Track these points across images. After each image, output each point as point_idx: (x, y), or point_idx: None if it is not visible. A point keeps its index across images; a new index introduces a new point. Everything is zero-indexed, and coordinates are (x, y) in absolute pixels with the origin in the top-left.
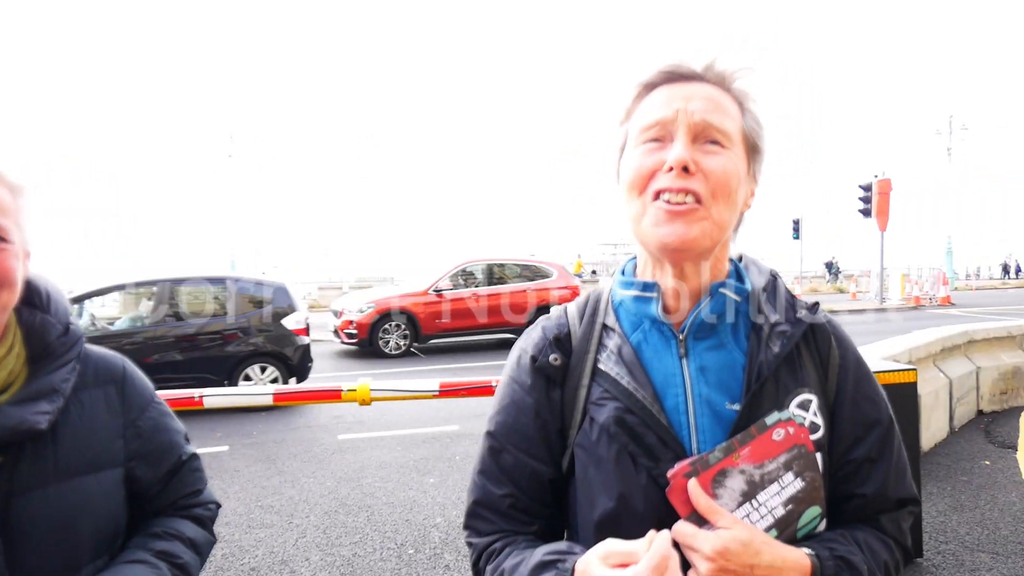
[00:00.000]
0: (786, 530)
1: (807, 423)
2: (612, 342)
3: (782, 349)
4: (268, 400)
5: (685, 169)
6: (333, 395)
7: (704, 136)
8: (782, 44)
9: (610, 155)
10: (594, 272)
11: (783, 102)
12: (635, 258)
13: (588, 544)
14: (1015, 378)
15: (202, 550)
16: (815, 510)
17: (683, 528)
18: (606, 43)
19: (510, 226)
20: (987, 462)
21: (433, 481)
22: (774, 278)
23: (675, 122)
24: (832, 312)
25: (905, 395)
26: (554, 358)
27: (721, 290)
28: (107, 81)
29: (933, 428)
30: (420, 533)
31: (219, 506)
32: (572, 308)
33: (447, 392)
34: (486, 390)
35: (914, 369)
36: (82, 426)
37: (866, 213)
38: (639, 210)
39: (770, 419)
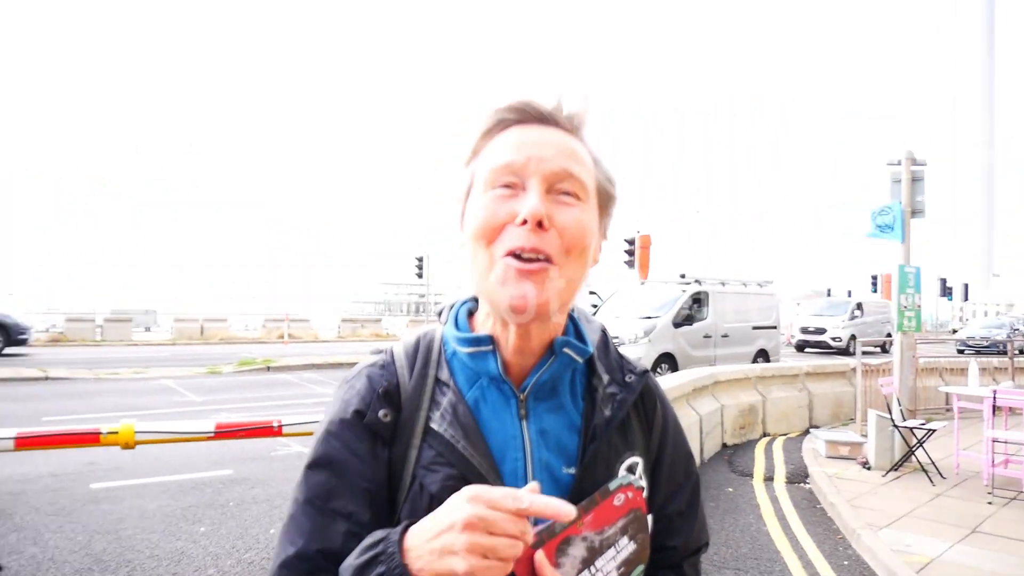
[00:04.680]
0: None
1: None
2: (446, 399)
3: (614, 414)
4: (9, 445)
5: (540, 224)
6: (91, 438)
7: (559, 187)
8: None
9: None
10: None
11: None
12: (467, 302)
13: None
14: (751, 414)
15: None
16: (640, 569)
17: None
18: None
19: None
20: (730, 489)
21: (204, 530)
22: (604, 334)
23: (527, 169)
24: None
25: None
26: (383, 414)
27: (565, 349)
28: None
29: None
30: None
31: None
32: (400, 355)
33: (224, 434)
34: (266, 431)
35: None
36: None
37: (630, 264)
38: (485, 263)
39: (613, 484)
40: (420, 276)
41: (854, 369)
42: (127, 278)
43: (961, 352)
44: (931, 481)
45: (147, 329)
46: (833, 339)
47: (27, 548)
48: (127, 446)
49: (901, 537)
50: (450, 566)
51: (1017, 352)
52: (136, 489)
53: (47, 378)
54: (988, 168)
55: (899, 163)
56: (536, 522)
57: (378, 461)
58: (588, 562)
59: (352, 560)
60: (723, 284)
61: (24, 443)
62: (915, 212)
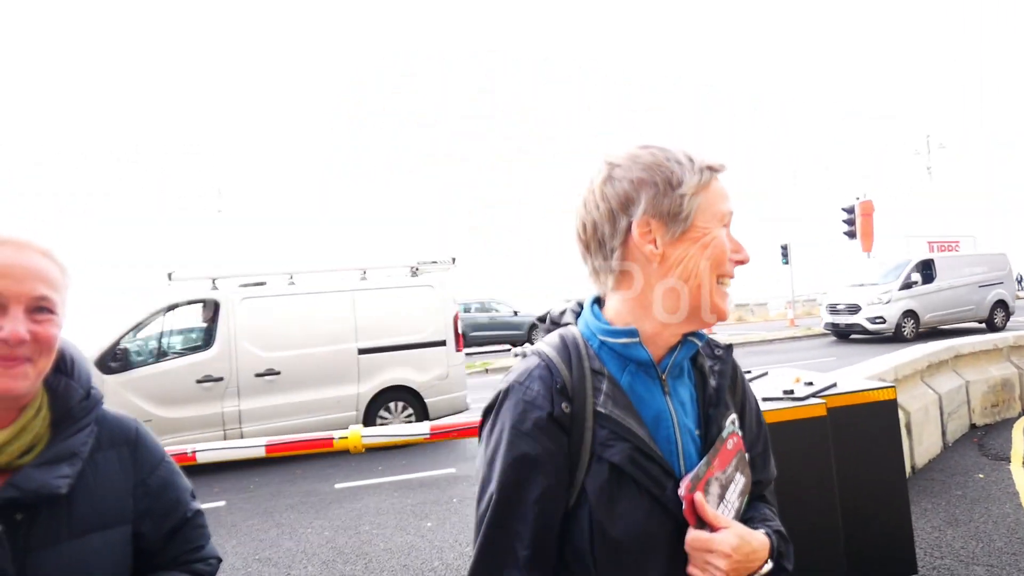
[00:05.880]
0: (740, 516)
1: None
2: (604, 386)
3: (720, 383)
4: (261, 452)
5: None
6: (325, 443)
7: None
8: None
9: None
10: None
11: (764, 130)
12: (594, 302)
13: (600, 568)
14: (1005, 390)
15: None
16: (747, 497)
17: (699, 535)
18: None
19: None
20: (981, 475)
21: (431, 525)
22: None
23: (732, 217)
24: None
25: (884, 412)
26: (565, 406)
27: (691, 338)
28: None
29: (926, 443)
30: None
31: (220, 560)
32: (554, 355)
33: (438, 435)
34: (474, 431)
35: (892, 387)
36: (96, 487)
37: (851, 235)
38: (706, 281)
39: (724, 432)
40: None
41: None
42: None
43: None
44: None
45: None
46: (871, 320)
47: (284, 542)
48: (356, 450)
49: None
50: None
51: None
52: (372, 488)
53: None
54: None
55: None
56: (685, 471)
57: (561, 448)
58: (721, 496)
59: None
60: (292, 281)
61: (273, 450)
62: None
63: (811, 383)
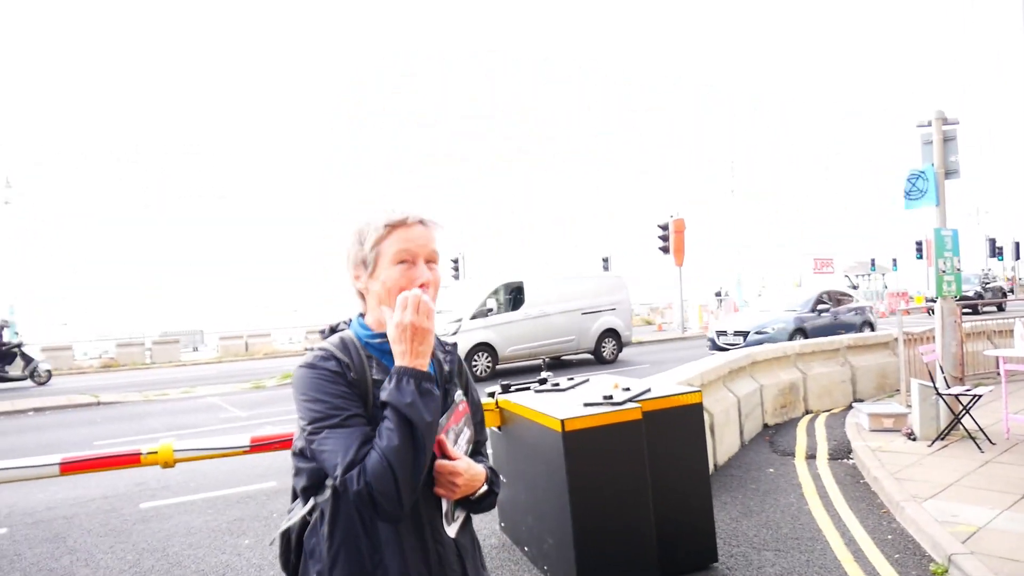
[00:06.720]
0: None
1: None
2: (374, 364)
3: (451, 367)
4: (55, 471)
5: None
6: (131, 459)
7: (430, 260)
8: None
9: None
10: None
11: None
12: (361, 316)
13: None
14: (792, 392)
15: None
16: (471, 446)
17: (444, 463)
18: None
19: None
20: (771, 470)
21: (249, 543)
22: None
23: (418, 254)
24: (640, 342)
25: (691, 414)
26: (352, 375)
27: None
28: None
29: (727, 443)
30: None
31: None
32: (335, 349)
33: (259, 447)
34: None
35: (699, 391)
36: None
37: (665, 251)
38: (388, 302)
39: (456, 398)
40: (456, 278)
41: (897, 339)
42: (174, 299)
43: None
44: (979, 448)
45: (195, 349)
46: None
47: (79, 570)
48: (167, 465)
49: (947, 507)
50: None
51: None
52: (184, 506)
53: (99, 403)
54: None
55: (929, 124)
56: None
57: (355, 396)
58: (455, 442)
59: (385, 392)
60: None
61: (69, 468)
62: (949, 173)
63: (628, 388)
